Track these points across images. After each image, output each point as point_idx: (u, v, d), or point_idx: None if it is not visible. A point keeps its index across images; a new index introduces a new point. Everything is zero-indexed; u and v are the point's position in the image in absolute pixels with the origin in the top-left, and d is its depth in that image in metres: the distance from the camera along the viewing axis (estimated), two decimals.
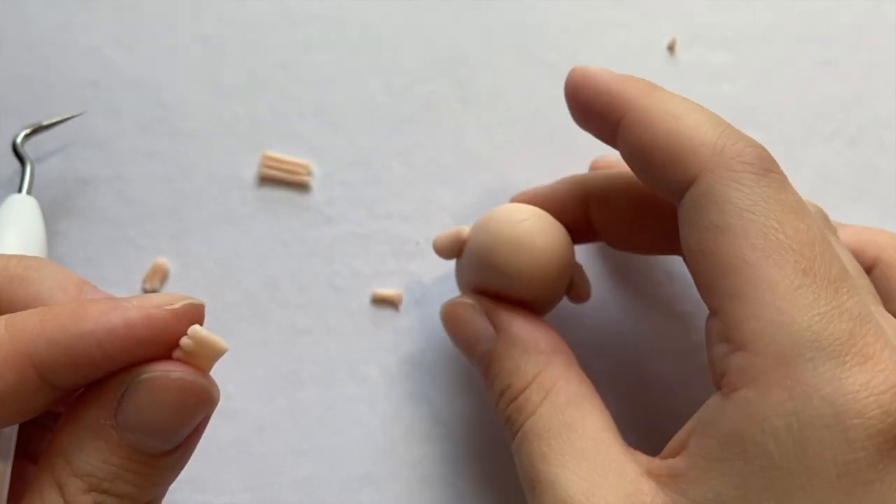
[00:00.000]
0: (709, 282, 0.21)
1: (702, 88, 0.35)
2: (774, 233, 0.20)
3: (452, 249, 0.28)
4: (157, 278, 0.31)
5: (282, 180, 0.33)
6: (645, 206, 0.27)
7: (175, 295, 0.20)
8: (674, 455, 0.21)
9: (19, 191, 0.29)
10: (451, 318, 0.27)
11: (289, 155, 0.33)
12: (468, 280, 0.27)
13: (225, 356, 0.30)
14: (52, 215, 0.31)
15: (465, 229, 0.27)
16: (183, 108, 0.33)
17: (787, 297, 0.19)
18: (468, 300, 0.26)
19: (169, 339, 0.20)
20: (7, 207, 0.28)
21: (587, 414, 0.22)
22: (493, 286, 0.26)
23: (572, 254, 0.27)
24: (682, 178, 0.22)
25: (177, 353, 0.20)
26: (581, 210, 0.28)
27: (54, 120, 0.32)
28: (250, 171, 0.33)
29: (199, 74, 0.34)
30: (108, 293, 0.22)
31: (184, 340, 0.20)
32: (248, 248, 0.32)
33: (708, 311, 0.22)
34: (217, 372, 0.30)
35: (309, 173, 0.33)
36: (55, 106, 0.33)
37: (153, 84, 0.34)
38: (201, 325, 0.20)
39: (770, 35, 0.36)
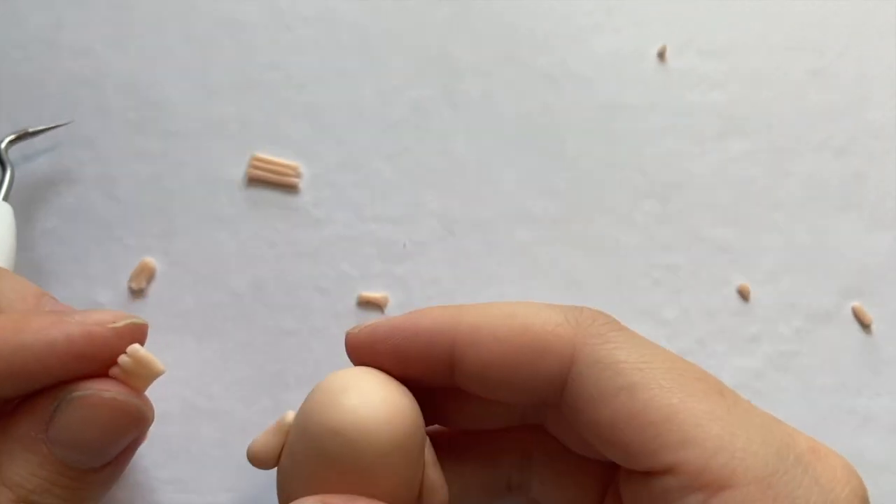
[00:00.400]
0: (642, 443, 0.19)
1: (691, 96, 0.35)
2: (672, 371, 0.20)
3: (275, 446, 0.22)
4: (143, 277, 0.31)
5: (270, 181, 0.33)
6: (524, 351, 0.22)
7: (120, 313, 0.20)
8: None
9: None
10: None
11: (277, 156, 0.33)
12: (306, 484, 0.21)
13: (210, 356, 0.30)
14: (40, 213, 0.31)
15: (290, 415, 0.22)
16: (173, 109, 0.33)
17: (730, 422, 0.19)
18: (311, 500, 0.20)
19: (108, 357, 0.20)
20: None
21: None
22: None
23: (423, 436, 0.22)
24: (555, 366, 0.20)
25: (114, 371, 0.20)
26: (444, 357, 0.22)
27: (40, 128, 0.31)
28: (239, 172, 0.33)
29: (189, 75, 0.34)
30: (68, 306, 0.22)
31: (122, 358, 0.20)
32: (236, 248, 0.32)
33: (646, 472, 0.20)
34: (202, 372, 0.30)
35: (297, 175, 0.33)
36: (46, 105, 0.33)
37: (143, 84, 0.34)
38: (142, 344, 0.20)
39: (760, 44, 0.36)
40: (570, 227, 0.33)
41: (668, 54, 0.36)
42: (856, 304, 0.33)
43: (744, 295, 0.32)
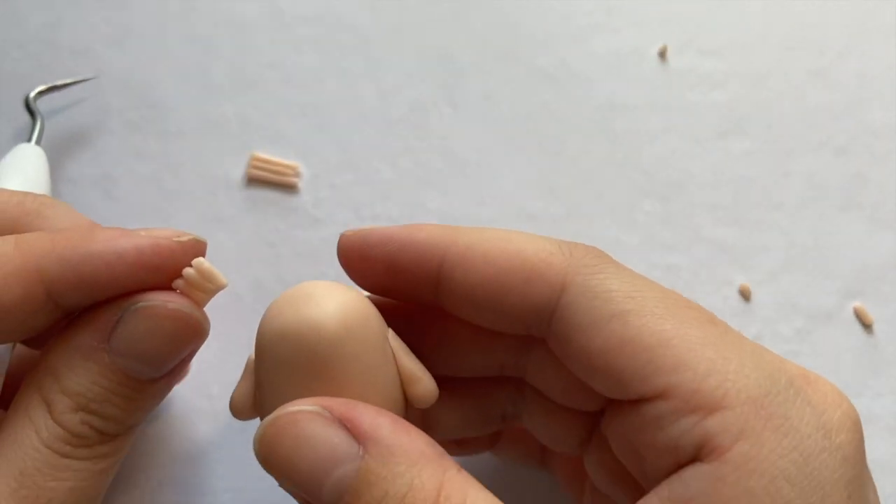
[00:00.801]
0: (635, 369, 0.19)
1: (692, 95, 0.35)
2: (664, 300, 0.20)
3: (249, 389, 0.22)
4: None
5: (269, 181, 0.33)
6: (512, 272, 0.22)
7: (181, 231, 0.21)
8: None
9: (29, 141, 0.30)
10: (287, 438, 0.18)
11: (277, 156, 0.33)
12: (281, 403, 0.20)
13: (210, 356, 0.30)
14: None
15: (251, 356, 0.22)
16: (172, 108, 0.33)
17: (723, 347, 0.19)
18: (308, 406, 0.19)
19: (172, 269, 0.20)
20: (16, 155, 0.29)
21: None
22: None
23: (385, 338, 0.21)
24: (546, 293, 0.20)
25: (177, 283, 0.20)
26: (432, 271, 0.22)
27: (67, 81, 0.33)
28: (238, 172, 0.33)
29: (188, 74, 0.34)
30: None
31: (187, 270, 0.20)
32: (235, 248, 0.32)
33: (634, 401, 0.20)
34: (202, 372, 0.30)
35: (297, 174, 0.33)
36: (46, 104, 0.33)
37: (143, 83, 0.34)
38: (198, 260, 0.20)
39: (761, 43, 0.36)
40: (570, 227, 0.33)
41: (668, 54, 0.36)
42: (857, 304, 0.33)
43: (744, 295, 0.32)
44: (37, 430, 0.20)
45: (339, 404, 0.19)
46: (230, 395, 0.22)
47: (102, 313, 0.20)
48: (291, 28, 0.35)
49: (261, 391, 0.21)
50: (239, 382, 0.22)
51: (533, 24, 0.36)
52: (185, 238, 0.20)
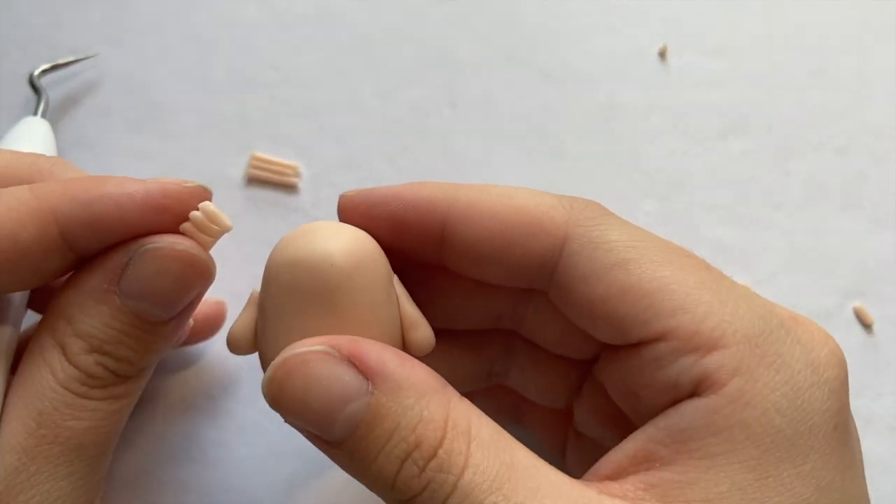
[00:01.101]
0: (636, 314, 0.20)
1: (692, 95, 0.35)
2: (663, 249, 0.21)
3: (250, 321, 0.22)
4: None
5: (269, 181, 0.33)
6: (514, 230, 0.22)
7: (188, 179, 0.21)
8: (623, 473, 0.20)
9: (34, 115, 0.31)
10: (297, 379, 0.19)
11: (277, 156, 0.33)
12: (288, 333, 0.20)
13: (210, 356, 0.30)
14: None
15: (256, 288, 0.22)
16: (172, 108, 0.33)
17: (719, 291, 0.20)
18: (317, 346, 0.19)
19: (179, 213, 0.21)
20: (23, 127, 0.30)
21: (515, 447, 0.19)
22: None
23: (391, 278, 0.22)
24: (548, 246, 0.21)
25: (185, 226, 0.21)
26: (436, 228, 0.22)
27: (69, 59, 0.33)
28: (238, 172, 0.33)
29: (188, 74, 0.34)
30: None
31: (194, 213, 0.21)
32: (235, 248, 0.32)
33: (633, 345, 0.21)
34: (202, 372, 0.30)
35: (297, 174, 0.33)
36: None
37: (143, 83, 0.34)
38: (204, 205, 0.21)
39: (761, 43, 0.36)
40: None
41: (668, 54, 0.36)
42: (857, 304, 0.33)
43: None
44: (53, 371, 0.20)
45: (346, 342, 0.19)
46: (228, 329, 0.22)
47: (112, 257, 0.21)
48: (291, 28, 0.35)
49: (264, 322, 0.21)
50: (239, 316, 0.22)
51: (533, 24, 0.36)
52: (191, 184, 0.21)
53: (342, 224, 0.21)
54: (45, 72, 0.32)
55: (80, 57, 0.33)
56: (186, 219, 0.21)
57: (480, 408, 0.28)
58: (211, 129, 0.33)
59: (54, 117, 0.33)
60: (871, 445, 0.31)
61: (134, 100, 0.33)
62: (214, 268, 0.21)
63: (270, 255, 0.21)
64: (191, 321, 0.27)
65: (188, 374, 0.30)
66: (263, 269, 0.21)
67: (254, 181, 0.33)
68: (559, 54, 0.35)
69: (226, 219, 0.21)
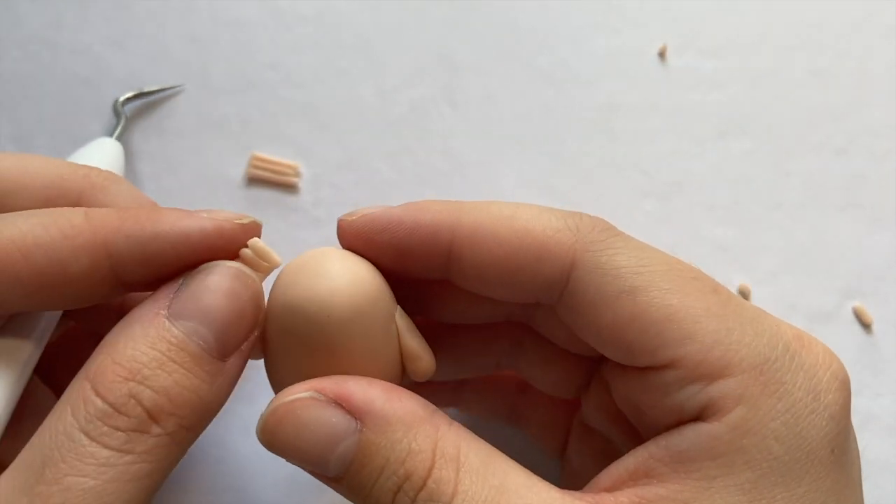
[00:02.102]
0: (644, 342, 0.20)
1: (691, 96, 0.35)
2: (670, 273, 0.21)
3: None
4: None
5: (270, 181, 0.33)
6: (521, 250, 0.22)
7: (240, 213, 0.21)
8: (621, 487, 0.20)
9: (111, 136, 0.31)
10: (287, 427, 0.19)
11: (277, 156, 0.33)
12: (287, 370, 0.21)
13: None
14: None
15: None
16: (173, 108, 0.33)
17: (725, 318, 0.20)
18: (303, 392, 0.19)
19: (233, 251, 0.21)
20: (94, 147, 0.30)
21: (507, 468, 0.20)
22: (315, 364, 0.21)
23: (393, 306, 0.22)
24: (555, 271, 0.21)
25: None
26: (441, 253, 0.22)
27: (154, 88, 0.33)
28: (238, 172, 0.33)
29: (189, 74, 0.34)
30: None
31: (244, 251, 0.21)
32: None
33: (640, 368, 0.21)
34: None
35: (297, 174, 0.33)
36: (47, 103, 0.33)
37: (143, 83, 0.34)
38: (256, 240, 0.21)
39: (761, 43, 0.36)
40: None
41: (668, 54, 0.36)
42: (856, 304, 0.33)
43: (744, 295, 0.32)
44: (73, 407, 0.18)
45: (331, 385, 0.20)
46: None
47: (164, 286, 0.20)
48: (291, 28, 0.35)
49: (268, 346, 0.21)
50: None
51: (533, 24, 0.36)
52: (245, 220, 0.21)
53: (344, 257, 0.21)
54: (128, 100, 0.33)
55: (166, 86, 0.33)
56: (237, 254, 0.21)
57: (480, 401, 0.28)
58: (211, 128, 0.33)
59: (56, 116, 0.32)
60: (871, 445, 0.31)
61: (134, 100, 0.33)
62: (264, 303, 0.21)
63: (272, 291, 0.21)
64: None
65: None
66: (271, 289, 0.21)
67: (254, 181, 0.33)
68: (559, 54, 0.35)
69: (275, 255, 0.21)
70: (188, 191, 0.32)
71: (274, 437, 0.19)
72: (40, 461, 0.18)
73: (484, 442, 0.20)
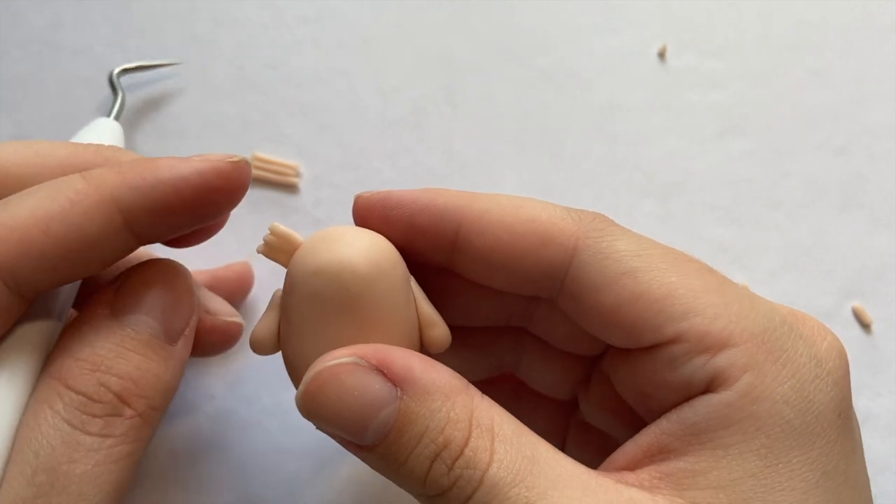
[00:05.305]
0: (647, 320, 0.21)
1: (691, 95, 0.35)
2: (667, 256, 0.22)
3: (273, 323, 0.22)
4: None
5: (270, 181, 0.33)
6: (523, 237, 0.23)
7: (229, 153, 0.22)
8: (637, 464, 0.21)
9: (108, 116, 0.31)
10: (330, 391, 0.20)
11: (277, 156, 0.33)
12: (313, 339, 0.21)
13: (210, 357, 0.30)
14: None
15: (278, 291, 0.23)
16: (173, 108, 0.33)
17: (724, 294, 0.21)
18: (346, 357, 0.20)
19: (231, 188, 0.21)
20: (93, 128, 0.30)
21: (535, 441, 0.20)
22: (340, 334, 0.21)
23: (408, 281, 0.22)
24: (558, 256, 0.22)
25: (260, 249, 0.22)
26: (449, 235, 0.23)
27: (153, 63, 0.33)
28: None
29: (189, 74, 0.34)
30: None
31: (267, 236, 0.21)
32: (236, 248, 0.32)
33: (644, 349, 0.21)
34: (203, 372, 0.30)
35: (297, 175, 0.33)
36: (47, 103, 0.33)
37: (144, 84, 0.34)
38: (248, 183, 0.22)
39: (760, 44, 0.36)
40: None
41: (667, 54, 0.36)
42: (856, 304, 0.33)
43: None
44: (50, 404, 0.20)
45: (373, 351, 0.20)
46: (251, 332, 0.22)
47: (101, 291, 0.21)
48: (291, 28, 0.35)
49: (288, 325, 0.22)
50: (262, 317, 0.22)
51: (533, 24, 0.36)
52: (236, 158, 0.21)
53: (360, 229, 0.22)
54: (124, 71, 0.32)
55: (164, 62, 0.33)
56: (237, 192, 0.21)
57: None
58: (211, 128, 0.33)
59: (55, 116, 0.32)
60: (870, 445, 0.31)
61: (134, 100, 0.33)
62: (194, 284, 0.23)
63: (292, 262, 0.21)
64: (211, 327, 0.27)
65: (190, 374, 0.30)
66: (287, 270, 0.22)
67: (254, 181, 0.33)
68: (559, 54, 0.35)
69: (297, 236, 0.21)
70: None
71: (315, 402, 0.20)
72: (34, 454, 0.19)
73: (510, 415, 0.21)
